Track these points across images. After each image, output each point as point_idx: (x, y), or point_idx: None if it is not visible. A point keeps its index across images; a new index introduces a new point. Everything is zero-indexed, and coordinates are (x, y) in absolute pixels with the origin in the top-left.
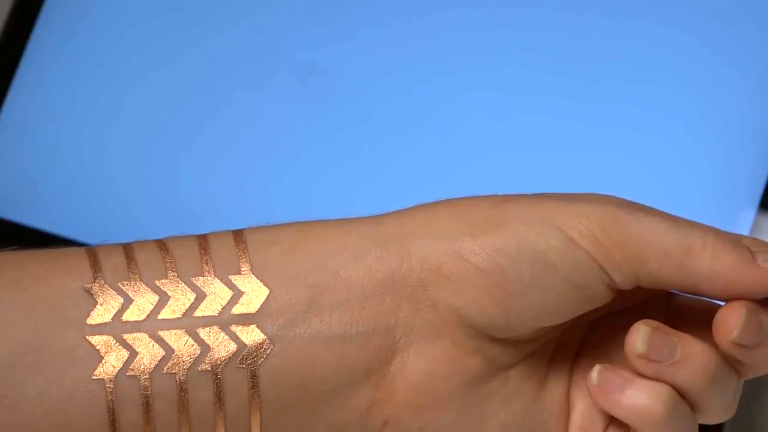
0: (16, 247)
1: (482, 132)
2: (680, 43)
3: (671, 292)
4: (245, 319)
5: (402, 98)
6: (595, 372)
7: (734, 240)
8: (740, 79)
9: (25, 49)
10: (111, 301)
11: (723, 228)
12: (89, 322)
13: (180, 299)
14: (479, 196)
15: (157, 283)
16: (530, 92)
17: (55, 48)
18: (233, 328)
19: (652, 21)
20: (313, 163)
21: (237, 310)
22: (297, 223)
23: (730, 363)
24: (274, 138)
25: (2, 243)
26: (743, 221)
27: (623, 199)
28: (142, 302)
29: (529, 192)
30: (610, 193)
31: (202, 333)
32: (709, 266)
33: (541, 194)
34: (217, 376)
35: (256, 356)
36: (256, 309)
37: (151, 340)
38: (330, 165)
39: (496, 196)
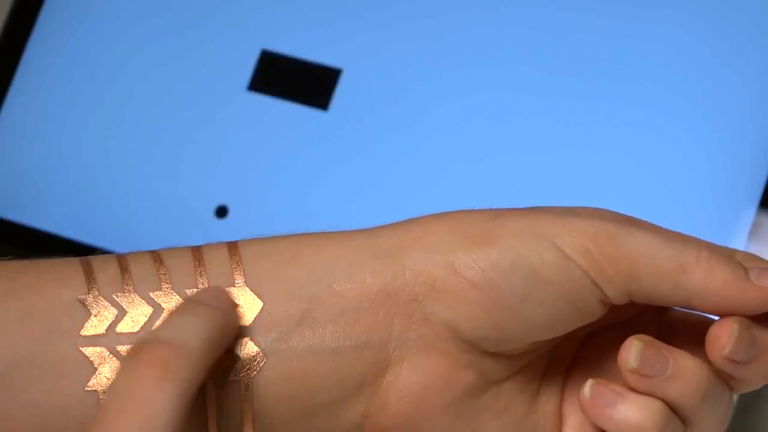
0: (10, 257)
1: (482, 132)
2: (680, 43)
3: (664, 307)
4: (239, 332)
5: (402, 97)
6: (588, 386)
7: (727, 256)
8: (740, 79)
9: (25, 49)
10: (105, 313)
11: (723, 228)
12: (83, 334)
13: None
14: (473, 210)
15: (152, 294)
16: (530, 92)
17: (55, 48)
18: None
19: (652, 21)
20: (314, 161)
21: None
22: (291, 235)
23: (722, 378)
24: (275, 137)
25: (2, 243)
26: (743, 221)
27: (617, 214)
28: (136, 314)
29: (528, 193)
30: (610, 193)
31: None
32: (702, 282)
33: (535, 208)
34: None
35: (249, 369)
36: (250, 322)
37: None
38: (330, 164)
39: (490, 210)
